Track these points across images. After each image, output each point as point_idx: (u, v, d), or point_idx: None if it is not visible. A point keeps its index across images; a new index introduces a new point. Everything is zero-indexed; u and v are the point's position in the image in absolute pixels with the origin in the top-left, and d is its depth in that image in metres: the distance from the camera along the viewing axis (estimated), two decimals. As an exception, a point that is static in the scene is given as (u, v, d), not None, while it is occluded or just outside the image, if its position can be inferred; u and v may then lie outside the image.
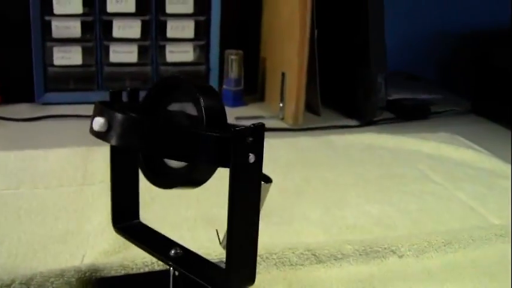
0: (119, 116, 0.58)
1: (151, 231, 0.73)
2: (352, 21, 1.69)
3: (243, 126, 0.56)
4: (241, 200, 0.58)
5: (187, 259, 0.67)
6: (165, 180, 0.62)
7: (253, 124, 0.56)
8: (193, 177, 0.60)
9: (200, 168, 0.59)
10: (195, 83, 0.60)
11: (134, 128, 0.58)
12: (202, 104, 0.58)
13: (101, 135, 0.59)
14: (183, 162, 0.60)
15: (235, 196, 0.57)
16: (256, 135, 0.56)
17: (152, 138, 0.58)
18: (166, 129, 0.57)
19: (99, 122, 0.58)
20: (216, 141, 0.56)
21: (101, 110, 0.59)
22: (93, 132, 0.59)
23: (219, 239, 0.67)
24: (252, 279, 0.62)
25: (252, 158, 0.56)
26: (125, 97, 0.66)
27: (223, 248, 0.64)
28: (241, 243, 0.59)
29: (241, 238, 0.59)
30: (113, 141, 0.59)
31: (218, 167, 0.58)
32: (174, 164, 0.62)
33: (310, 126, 1.59)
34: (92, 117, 0.60)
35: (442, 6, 2.19)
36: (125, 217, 0.73)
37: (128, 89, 0.66)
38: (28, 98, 1.69)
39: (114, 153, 0.69)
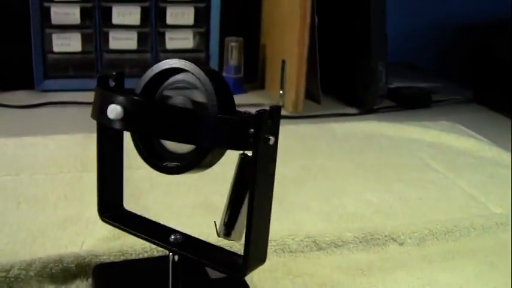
0: (138, 102, 0.58)
1: (142, 219, 0.72)
2: (353, 8, 1.68)
3: (263, 109, 0.56)
4: (262, 182, 0.58)
5: (190, 244, 0.67)
6: (174, 166, 0.61)
7: (270, 106, 0.57)
8: (206, 161, 0.60)
9: (213, 152, 0.59)
10: (202, 67, 0.59)
11: (154, 114, 0.57)
12: (214, 88, 0.58)
13: (115, 123, 0.58)
14: (188, 147, 0.60)
15: (257, 178, 0.57)
16: (274, 117, 0.57)
17: (173, 124, 0.57)
18: (189, 115, 0.57)
19: (116, 110, 0.57)
20: (236, 125, 0.57)
21: (114, 96, 0.58)
22: (105, 120, 0.58)
23: (216, 230, 0.67)
24: (264, 258, 0.63)
25: (272, 140, 0.57)
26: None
27: (224, 236, 0.65)
28: (259, 224, 0.60)
29: (260, 218, 0.60)
30: (129, 129, 0.59)
31: (235, 150, 0.58)
32: (179, 149, 0.61)
33: (310, 114, 1.59)
34: (101, 104, 0.59)
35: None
36: (111, 206, 0.71)
37: (114, 73, 0.65)
38: (27, 85, 1.68)
39: (102, 141, 0.68)
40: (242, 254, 0.61)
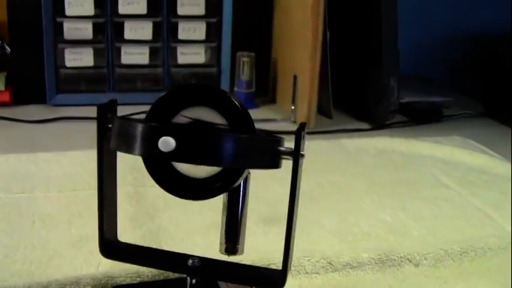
0: (191, 131, 0.57)
1: (147, 249, 0.72)
2: (365, 23, 1.68)
3: (299, 127, 0.61)
4: (297, 196, 0.62)
5: (211, 266, 0.67)
6: (205, 191, 0.62)
7: (300, 124, 0.61)
8: (237, 183, 0.61)
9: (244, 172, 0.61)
10: (220, 89, 0.60)
11: (205, 141, 0.57)
12: (240, 109, 0.59)
13: (166, 156, 0.57)
14: (212, 171, 0.60)
15: (295, 193, 0.61)
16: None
17: (222, 150, 0.57)
18: (236, 140, 0.58)
19: (169, 142, 0.56)
20: (278, 144, 0.60)
21: (164, 128, 0.57)
22: (151, 153, 0.57)
23: (227, 248, 0.67)
24: (290, 267, 0.65)
25: (304, 155, 0.60)
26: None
27: (230, 253, 0.67)
28: (292, 238, 0.63)
29: (294, 232, 0.63)
30: (181, 159, 0.58)
31: (270, 169, 0.61)
32: (201, 173, 0.61)
33: (322, 129, 1.59)
34: (142, 136, 0.58)
35: (453, 9, 2.18)
36: (111, 241, 0.70)
37: (108, 101, 0.64)
38: (39, 99, 1.69)
39: (103, 171, 0.66)
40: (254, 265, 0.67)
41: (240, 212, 0.67)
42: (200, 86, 0.61)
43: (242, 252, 0.67)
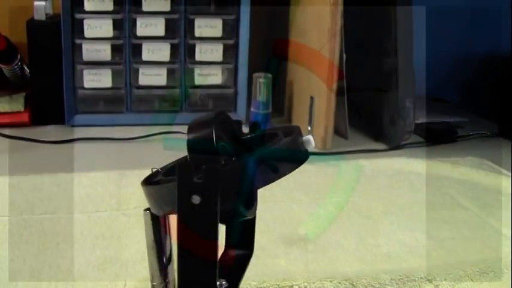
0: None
1: None
2: (381, 45, 1.70)
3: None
4: None
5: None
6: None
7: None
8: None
9: None
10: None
11: None
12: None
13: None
14: None
15: None
16: None
17: None
18: None
19: (312, 140, 0.63)
20: None
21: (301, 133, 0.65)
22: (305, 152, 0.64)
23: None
24: None
25: None
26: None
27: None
28: None
29: None
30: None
31: None
32: None
33: (338, 150, 1.60)
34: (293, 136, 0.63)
35: (466, 30, 2.20)
36: None
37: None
38: (58, 120, 1.71)
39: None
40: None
41: (167, 250, 0.68)
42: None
43: None
